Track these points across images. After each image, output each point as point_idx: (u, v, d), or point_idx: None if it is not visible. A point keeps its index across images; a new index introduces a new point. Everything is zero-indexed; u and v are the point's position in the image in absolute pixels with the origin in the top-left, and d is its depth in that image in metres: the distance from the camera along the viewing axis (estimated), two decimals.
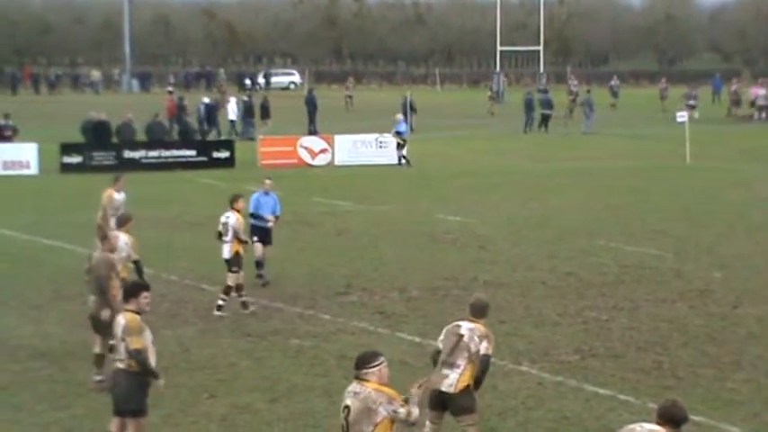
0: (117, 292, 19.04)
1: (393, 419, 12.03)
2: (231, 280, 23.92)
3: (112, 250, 20.04)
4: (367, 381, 12.15)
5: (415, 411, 12.30)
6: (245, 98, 69.12)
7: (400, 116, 56.32)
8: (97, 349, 18.93)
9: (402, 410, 12.07)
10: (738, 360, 20.51)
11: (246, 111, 66.18)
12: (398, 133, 53.09)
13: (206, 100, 68.30)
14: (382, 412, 11.98)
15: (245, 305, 23.98)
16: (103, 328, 18.75)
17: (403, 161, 52.06)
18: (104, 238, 20.06)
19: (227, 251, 24.06)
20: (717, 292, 25.90)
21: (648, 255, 30.20)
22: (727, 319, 23.51)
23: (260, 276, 26.59)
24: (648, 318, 23.54)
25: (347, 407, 12.06)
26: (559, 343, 21.60)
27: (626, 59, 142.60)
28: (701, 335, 22.21)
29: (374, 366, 12.26)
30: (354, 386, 12.16)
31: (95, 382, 18.69)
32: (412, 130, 53.90)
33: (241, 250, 24.08)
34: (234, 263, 23.98)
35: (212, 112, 65.75)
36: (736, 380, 19.31)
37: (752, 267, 28.65)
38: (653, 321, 23.21)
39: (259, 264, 26.66)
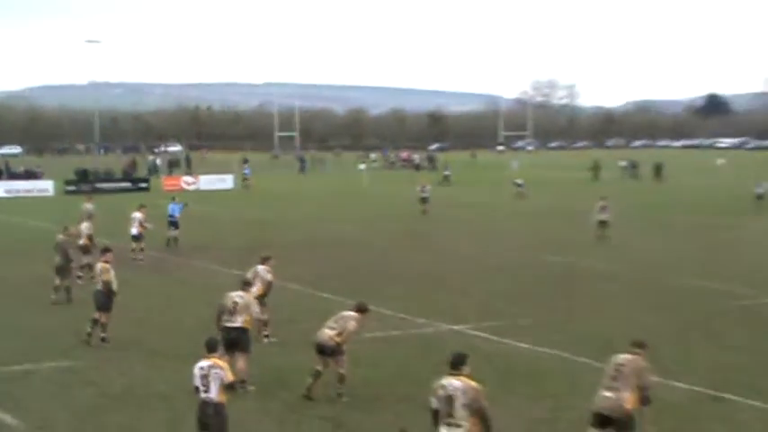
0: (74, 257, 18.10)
1: None
2: (138, 246, 22.95)
3: (74, 235, 19.09)
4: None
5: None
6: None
7: (246, 165, 56.20)
8: (56, 283, 17.21)
9: None
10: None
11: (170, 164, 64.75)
12: (245, 172, 53.26)
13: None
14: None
15: (134, 259, 22.41)
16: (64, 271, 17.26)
17: (247, 188, 50.69)
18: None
19: (134, 231, 23.15)
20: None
21: (342, 230, 29.81)
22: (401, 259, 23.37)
23: (174, 239, 25.44)
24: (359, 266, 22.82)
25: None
26: (332, 276, 20.17)
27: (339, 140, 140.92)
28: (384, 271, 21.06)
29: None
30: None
31: None
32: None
33: (142, 230, 23.10)
34: (138, 238, 23.06)
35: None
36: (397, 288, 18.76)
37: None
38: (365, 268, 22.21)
39: (175, 239, 25.57)
